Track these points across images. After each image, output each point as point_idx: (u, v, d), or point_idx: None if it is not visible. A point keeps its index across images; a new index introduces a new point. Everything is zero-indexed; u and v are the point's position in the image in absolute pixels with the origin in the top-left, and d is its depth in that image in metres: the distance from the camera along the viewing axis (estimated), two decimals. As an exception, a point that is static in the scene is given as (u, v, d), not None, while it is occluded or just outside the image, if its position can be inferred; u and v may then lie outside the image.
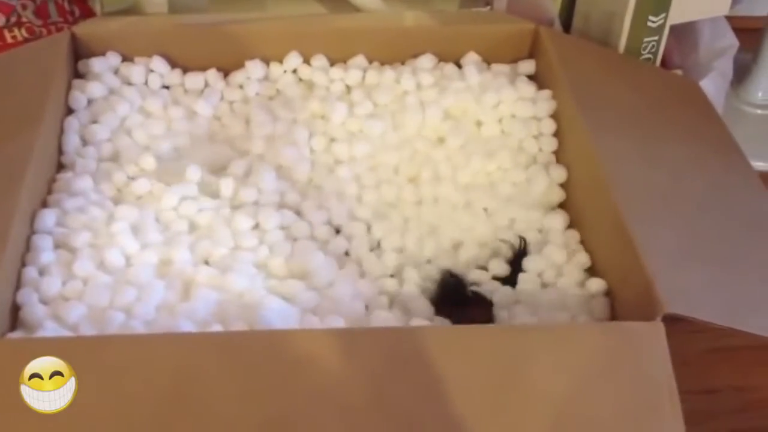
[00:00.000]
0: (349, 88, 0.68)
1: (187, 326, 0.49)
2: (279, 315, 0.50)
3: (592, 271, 0.56)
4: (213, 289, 0.52)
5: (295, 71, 0.69)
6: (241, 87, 0.68)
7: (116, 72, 0.67)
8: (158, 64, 0.67)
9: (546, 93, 0.65)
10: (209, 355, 0.43)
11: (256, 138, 0.64)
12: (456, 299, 0.56)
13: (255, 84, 0.68)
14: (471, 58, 0.69)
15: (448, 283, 0.57)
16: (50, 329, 0.47)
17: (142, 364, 0.43)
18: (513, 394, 0.43)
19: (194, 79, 0.68)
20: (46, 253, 0.52)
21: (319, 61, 0.69)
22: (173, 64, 0.68)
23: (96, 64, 0.66)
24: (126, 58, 0.68)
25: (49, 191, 0.57)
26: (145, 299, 0.50)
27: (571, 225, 0.59)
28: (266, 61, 0.69)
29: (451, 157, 0.63)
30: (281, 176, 0.62)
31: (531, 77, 0.68)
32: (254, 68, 0.68)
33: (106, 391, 0.42)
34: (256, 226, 0.58)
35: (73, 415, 0.41)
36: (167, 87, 0.68)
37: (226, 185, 0.59)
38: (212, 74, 0.68)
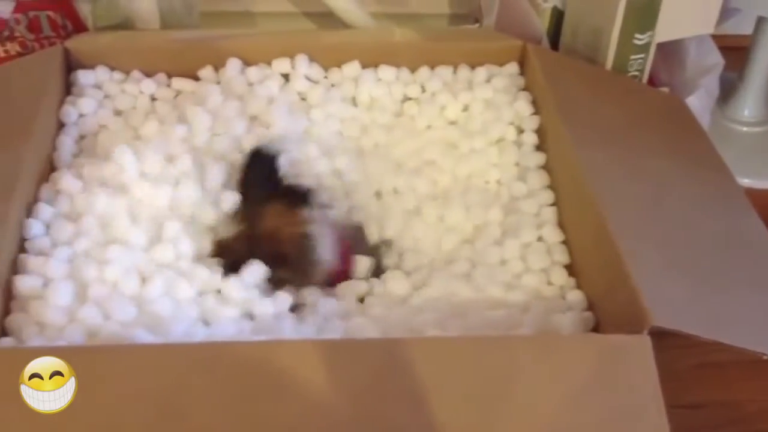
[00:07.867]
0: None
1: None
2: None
3: (575, 284, 0.56)
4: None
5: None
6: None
7: (102, 87, 0.67)
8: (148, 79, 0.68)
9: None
10: (196, 365, 0.43)
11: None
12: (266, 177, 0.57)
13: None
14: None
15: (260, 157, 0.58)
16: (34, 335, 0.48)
17: (130, 375, 0.43)
18: (499, 406, 0.43)
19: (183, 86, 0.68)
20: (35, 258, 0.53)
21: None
22: (163, 79, 0.69)
23: (86, 76, 0.66)
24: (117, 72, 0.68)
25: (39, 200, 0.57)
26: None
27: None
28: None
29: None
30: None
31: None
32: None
33: (94, 401, 0.42)
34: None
35: (61, 425, 0.41)
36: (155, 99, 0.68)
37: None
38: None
